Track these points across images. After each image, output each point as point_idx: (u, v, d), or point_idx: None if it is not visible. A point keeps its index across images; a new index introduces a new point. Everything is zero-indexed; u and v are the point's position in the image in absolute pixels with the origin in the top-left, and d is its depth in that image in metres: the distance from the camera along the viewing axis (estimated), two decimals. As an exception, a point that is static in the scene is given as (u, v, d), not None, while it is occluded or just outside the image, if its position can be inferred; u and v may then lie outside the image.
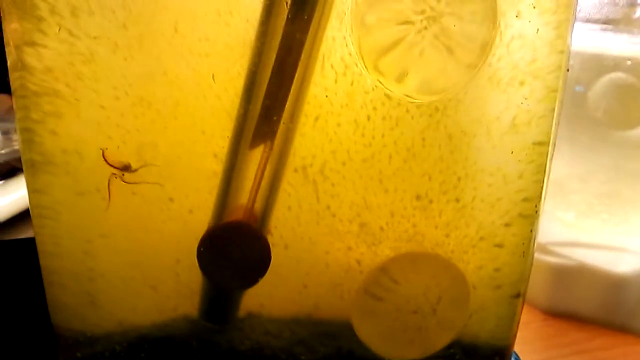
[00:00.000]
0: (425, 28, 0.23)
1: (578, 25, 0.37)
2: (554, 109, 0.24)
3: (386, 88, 0.23)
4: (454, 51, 0.23)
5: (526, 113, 0.24)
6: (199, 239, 0.25)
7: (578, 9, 0.24)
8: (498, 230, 0.26)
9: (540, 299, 0.44)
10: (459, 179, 0.25)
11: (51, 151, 0.24)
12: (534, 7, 0.23)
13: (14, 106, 0.23)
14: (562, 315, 0.44)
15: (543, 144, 0.25)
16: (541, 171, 0.25)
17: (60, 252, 0.25)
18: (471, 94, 0.24)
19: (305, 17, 0.22)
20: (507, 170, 0.25)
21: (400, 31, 0.23)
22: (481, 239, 0.26)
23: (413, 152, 0.25)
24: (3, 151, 0.47)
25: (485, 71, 0.24)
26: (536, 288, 0.43)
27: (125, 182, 0.23)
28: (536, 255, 0.42)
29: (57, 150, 0.24)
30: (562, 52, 0.24)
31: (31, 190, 0.24)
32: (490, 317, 0.28)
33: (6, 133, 0.48)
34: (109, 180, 0.23)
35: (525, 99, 0.24)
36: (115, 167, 0.23)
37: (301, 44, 0.22)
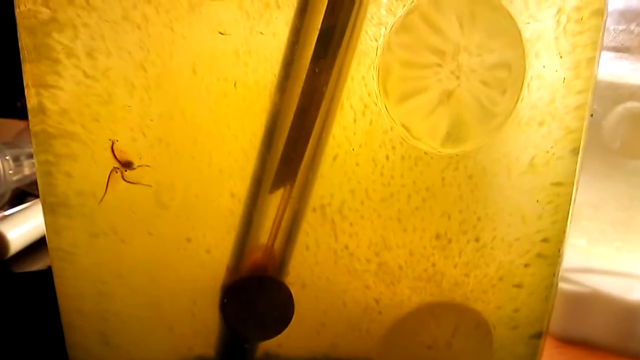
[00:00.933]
0: (455, 79, 0.22)
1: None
2: (573, 150, 0.24)
3: (411, 139, 0.23)
4: (481, 104, 0.23)
5: (544, 153, 0.24)
6: (216, 279, 0.25)
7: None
8: (517, 270, 0.26)
9: (553, 326, 0.43)
10: (478, 218, 0.25)
11: (66, 193, 0.23)
12: (553, 48, 0.23)
13: (34, 149, 0.23)
14: (575, 343, 0.44)
15: (562, 184, 0.24)
16: (560, 212, 0.25)
17: (76, 293, 0.25)
18: (492, 134, 0.23)
19: (329, 60, 0.21)
20: (526, 210, 0.25)
21: (427, 83, 0.22)
22: (500, 278, 0.26)
23: (432, 191, 0.24)
24: (15, 178, 0.46)
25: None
26: (549, 315, 0.43)
27: (125, 180, 0.23)
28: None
29: (72, 192, 0.23)
30: (580, 92, 0.23)
31: (50, 232, 0.24)
32: (509, 357, 0.27)
33: (17, 160, 0.48)
34: (109, 175, 0.23)
35: (544, 139, 0.24)
36: (118, 161, 0.22)
37: (324, 89, 0.22)
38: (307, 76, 0.21)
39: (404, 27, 0.21)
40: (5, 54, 0.39)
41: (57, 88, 0.22)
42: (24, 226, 0.41)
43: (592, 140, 0.40)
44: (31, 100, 0.22)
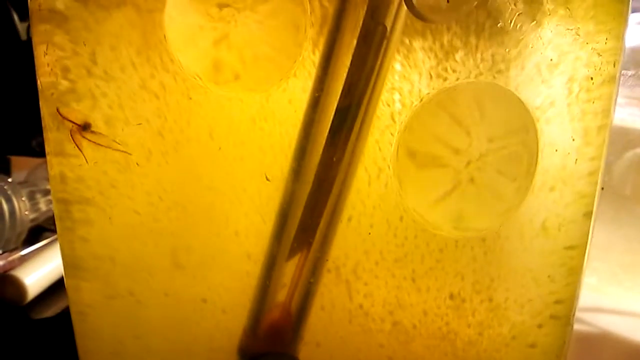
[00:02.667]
0: (469, 167, 0.22)
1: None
2: (586, 214, 0.24)
3: (424, 221, 0.23)
4: (493, 191, 0.22)
5: (556, 217, 0.24)
6: (232, 339, 0.24)
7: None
8: (530, 331, 0.25)
9: (563, 365, 0.43)
10: (492, 279, 0.25)
11: (81, 256, 0.23)
12: (565, 116, 0.22)
13: (56, 215, 0.23)
14: (586, 383, 0.43)
15: (575, 248, 0.24)
16: (573, 274, 0.24)
17: (94, 351, 0.24)
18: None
19: (344, 135, 0.21)
20: (539, 272, 0.25)
21: (441, 170, 0.22)
22: (513, 338, 0.25)
23: (446, 252, 0.24)
24: (31, 217, 0.46)
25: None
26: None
27: (87, 138, 0.22)
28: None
29: (88, 256, 0.23)
30: (592, 159, 0.23)
31: (70, 291, 0.24)
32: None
33: (32, 198, 0.48)
34: (71, 135, 0.22)
35: (555, 204, 0.23)
36: (73, 123, 0.22)
37: (340, 162, 0.21)
38: (323, 150, 0.21)
39: (419, 116, 0.21)
40: (21, 95, 0.39)
41: (74, 156, 0.22)
42: (41, 270, 0.41)
43: (603, 184, 0.39)
44: (52, 169, 0.22)
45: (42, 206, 0.49)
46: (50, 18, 0.21)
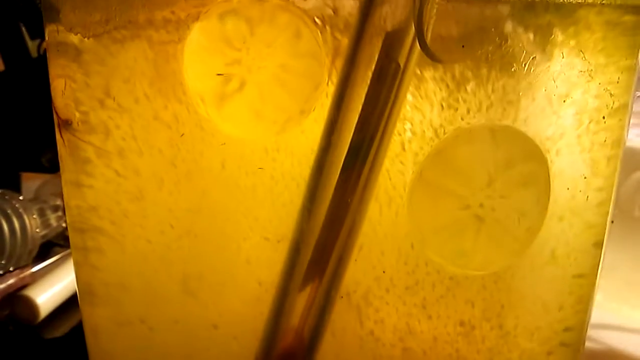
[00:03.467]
0: (482, 209, 0.22)
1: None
2: (596, 244, 0.23)
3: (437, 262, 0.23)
4: (507, 231, 0.22)
5: (565, 246, 0.23)
6: (242, 366, 0.24)
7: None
8: (540, 358, 0.25)
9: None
10: (502, 306, 0.24)
11: (93, 283, 0.23)
12: (575, 147, 0.22)
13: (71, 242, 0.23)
14: (591, 400, 0.43)
15: (584, 276, 0.24)
16: (583, 302, 0.24)
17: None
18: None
19: (357, 170, 0.21)
20: (548, 300, 0.24)
21: (456, 215, 0.22)
22: (524, 365, 0.25)
23: (456, 280, 0.24)
24: (42, 233, 0.46)
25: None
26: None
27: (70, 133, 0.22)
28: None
29: (98, 283, 0.23)
30: (601, 189, 0.23)
31: (83, 316, 0.24)
32: None
33: (42, 214, 0.48)
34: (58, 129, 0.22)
35: (564, 233, 0.23)
36: (60, 119, 0.22)
37: (353, 193, 0.21)
38: (336, 183, 0.21)
39: (435, 154, 0.21)
40: (31, 112, 0.39)
41: (86, 187, 0.22)
42: (52, 289, 0.41)
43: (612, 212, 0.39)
44: (69, 199, 0.22)
45: (53, 222, 0.49)
46: (65, 52, 0.20)
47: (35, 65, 0.53)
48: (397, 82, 0.20)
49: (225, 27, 0.20)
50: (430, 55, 0.19)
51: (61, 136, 0.21)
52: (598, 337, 0.43)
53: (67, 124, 0.21)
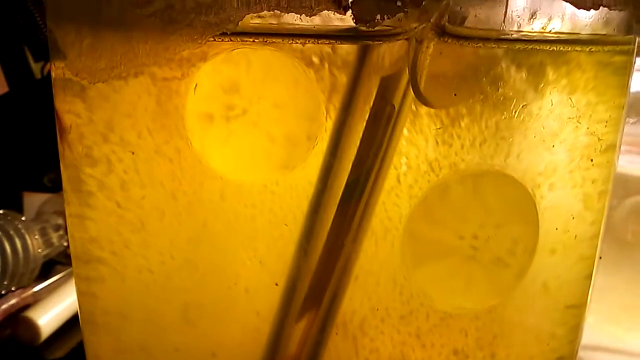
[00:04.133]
0: (474, 250, 0.22)
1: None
2: (587, 276, 0.24)
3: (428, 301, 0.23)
4: (496, 270, 0.23)
5: (557, 278, 0.24)
6: (240, 394, 0.25)
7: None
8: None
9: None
10: (494, 336, 0.25)
11: (94, 312, 0.23)
12: (568, 182, 0.23)
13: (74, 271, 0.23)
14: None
15: (577, 307, 0.24)
16: (575, 331, 0.25)
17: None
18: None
19: (353, 206, 0.22)
20: (541, 330, 0.25)
21: (447, 254, 0.22)
22: (517, 393, 0.26)
23: (450, 311, 0.24)
24: (44, 252, 0.47)
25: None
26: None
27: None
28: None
29: (98, 311, 0.23)
30: (592, 223, 0.23)
31: (85, 340, 0.24)
32: None
33: (44, 234, 0.48)
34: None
35: (557, 265, 0.24)
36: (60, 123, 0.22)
37: (348, 234, 0.22)
38: (333, 217, 0.22)
39: (425, 199, 0.22)
40: (33, 132, 0.39)
41: (89, 219, 0.22)
42: (55, 309, 0.42)
43: (604, 229, 0.40)
44: (73, 231, 0.22)
45: (55, 241, 0.49)
46: (71, 87, 0.21)
47: (38, 87, 0.54)
48: (392, 123, 0.20)
49: (224, 72, 0.20)
50: (424, 101, 0.19)
51: (65, 169, 0.22)
52: (590, 358, 0.43)
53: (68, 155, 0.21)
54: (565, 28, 0.22)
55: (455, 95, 0.19)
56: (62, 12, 0.21)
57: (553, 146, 0.23)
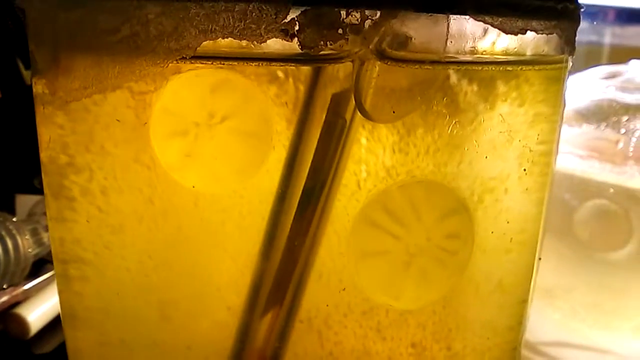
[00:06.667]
0: (414, 249, 0.24)
1: (569, 149, 0.39)
2: (528, 276, 0.26)
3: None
4: (435, 267, 0.24)
5: (514, 276, 0.26)
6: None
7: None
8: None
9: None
10: (449, 330, 0.26)
11: (77, 308, 0.25)
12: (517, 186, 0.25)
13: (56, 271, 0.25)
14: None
15: (527, 301, 0.26)
16: (524, 323, 0.26)
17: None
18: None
19: (311, 209, 0.23)
20: (497, 323, 0.26)
21: (389, 252, 0.24)
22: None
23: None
24: (34, 252, 0.48)
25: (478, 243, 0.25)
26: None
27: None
28: (527, 354, 0.43)
29: (83, 308, 0.25)
30: (529, 227, 0.25)
31: (67, 336, 0.26)
32: None
33: (35, 234, 0.50)
34: None
35: (512, 263, 0.26)
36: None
37: (308, 229, 0.23)
38: (293, 219, 0.23)
39: (366, 206, 0.23)
40: (24, 136, 0.40)
41: (72, 221, 0.24)
42: (42, 306, 0.43)
43: (564, 230, 0.41)
44: (53, 232, 0.24)
45: (45, 240, 0.51)
46: (52, 101, 0.22)
47: (29, 93, 0.55)
48: (344, 136, 0.22)
49: (184, 91, 0.22)
50: (367, 116, 0.21)
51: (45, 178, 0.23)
52: (557, 354, 0.45)
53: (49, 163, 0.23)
54: (511, 46, 0.23)
55: (393, 112, 0.21)
56: (41, 37, 0.22)
57: (503, 153, 0.24)
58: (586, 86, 0.48)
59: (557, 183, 0.43)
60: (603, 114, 0.44)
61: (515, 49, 0.23)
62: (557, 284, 0.45)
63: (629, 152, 0.43)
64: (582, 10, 0.23)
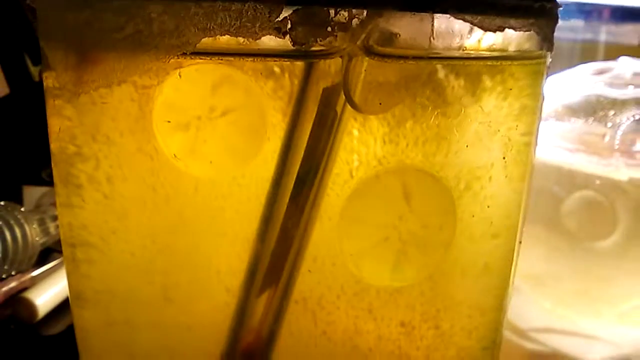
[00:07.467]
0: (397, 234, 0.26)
1: (558, 142, 0.40)
2: (509, 259, 0.27)
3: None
4: (422, 247, 0.26)
5: (501, 260, 0.27)
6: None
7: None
8: (476, 353, 0.29)
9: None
10: (437, 310, 0.28)
11: (84, 290, 0.26)
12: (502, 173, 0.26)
13: (64, 253, 0.26)
14: (537, 399, 0.46)
15: (503, 287, 0.28)
16: (504, 307, 0.28)
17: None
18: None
19: (304, 195, 0.25)
20: (485, 304, 0.28)
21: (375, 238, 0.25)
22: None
23: (398, 287, 0.27)
24: (42, 240, 0.50)
25: (462, 228, 0.26)
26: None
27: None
28: (515, 339, 0.44)
29: (90, 290, 0.26)
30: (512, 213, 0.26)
31: (74, 316, 0.27)
32: None
33: (42, 224, 0.51)
34: None
35: (498, 248, 0.27)
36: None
37: (302, 215, 0.25)
38: (288, 204, 0.25)
39: (358, 189, 0.25)
40: (32, 130, 0.42)
41: (79, 207, 0.25)
42: (50, 291, 0.45)
43: (553, 219, 0.43)
44: (62, 218, 0.25)
45: (52, 230, 0.52)
46: (61, 95, 0.24)
47: (37, 89, 0.56)
48: (335, 126, 0.23)
49: (184, 84, 0.23)
50: (356, 108, 0.23)
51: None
52: (545, 340, 0.46)
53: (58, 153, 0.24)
54: (496, 43, 0.25)
55: (380, 104, 0.23)
56: (51, 34, 0.24)
57: (489, 144, 0.26)
58: (576, 82, 0.49)
59: (546, 175, 0.45)
60: (591, 108, 0.45)
61: (499, 46, 0.24)
62: (546, 272, 0.46)
63: (615, 145, 0.44)
64: (560, 8, 0.24)
